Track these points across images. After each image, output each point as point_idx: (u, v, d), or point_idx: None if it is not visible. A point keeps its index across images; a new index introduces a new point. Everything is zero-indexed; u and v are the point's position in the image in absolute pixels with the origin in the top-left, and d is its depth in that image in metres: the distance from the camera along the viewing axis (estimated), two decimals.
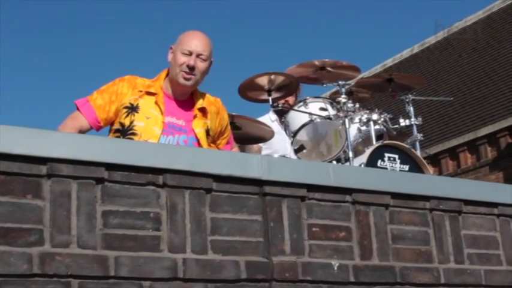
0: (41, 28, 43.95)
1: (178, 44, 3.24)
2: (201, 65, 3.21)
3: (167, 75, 3.30)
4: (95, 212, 2.01)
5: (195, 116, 3.26)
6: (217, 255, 2.17)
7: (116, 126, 3.20)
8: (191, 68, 3.18)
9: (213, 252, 2.17)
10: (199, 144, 3.20)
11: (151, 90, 3.23)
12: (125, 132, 3.14)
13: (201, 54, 3.21)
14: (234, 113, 4.18)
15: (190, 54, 3.20)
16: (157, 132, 3.13)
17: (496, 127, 13.09)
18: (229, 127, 3.49)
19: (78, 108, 3.21)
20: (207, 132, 3.28)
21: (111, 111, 3.19)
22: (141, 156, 2.11)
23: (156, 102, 3.20)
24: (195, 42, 3.23)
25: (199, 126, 3.25)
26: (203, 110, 3.29)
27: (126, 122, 3.16)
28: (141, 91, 3.21)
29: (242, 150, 4.65)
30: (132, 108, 3.18)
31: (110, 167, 2.05)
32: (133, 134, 3.13)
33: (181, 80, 3.20)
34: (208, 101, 3.34)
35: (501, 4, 17.42)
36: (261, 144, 4.67)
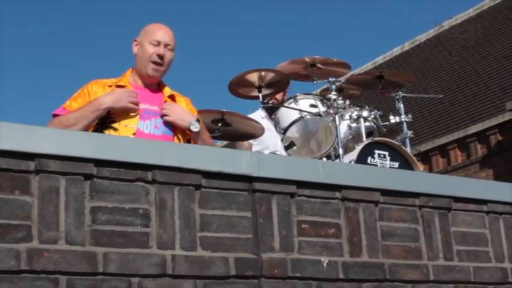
0: (37, 26, 43.78)
1: (145, 36, 3.32)
2: (168, 55, 3.30)
3: (132, 72, 3.36)
4: (84, 208, 2.00)
5: (165, 102, 3.32)
6: (206, 251, 2.16)
7: None
8: (161, 57, 3.25)
9: (202, 249, 2.16)
10: (174, 128, 3.24)
11: (121, 83, 3.31)
12: (104, 120, 3.17)
13: (168, 45, 3.30)
14: (224, 110, 4.17)
15: (158, 44, 3.28)
16: (136, 117, 3.19)
17: (486, 125, 13.13)
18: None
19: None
20: None
21: None
22: (130, 152, 2.11)
23: None
24: (162, 32, 3.32)
25: None
26: (172, 97, 3.37)
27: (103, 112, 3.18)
28: (110, 86, 3.28)
29: (233, 146, 4.65)
30: None
31: (99, 163, 2.04)
32: (113, 121, 3.17)
33: (151, 72, 3.28)
34: (176, 93, 3.41)
35: (491, 2, 17.47)
36: (251, 141, 4.67)
